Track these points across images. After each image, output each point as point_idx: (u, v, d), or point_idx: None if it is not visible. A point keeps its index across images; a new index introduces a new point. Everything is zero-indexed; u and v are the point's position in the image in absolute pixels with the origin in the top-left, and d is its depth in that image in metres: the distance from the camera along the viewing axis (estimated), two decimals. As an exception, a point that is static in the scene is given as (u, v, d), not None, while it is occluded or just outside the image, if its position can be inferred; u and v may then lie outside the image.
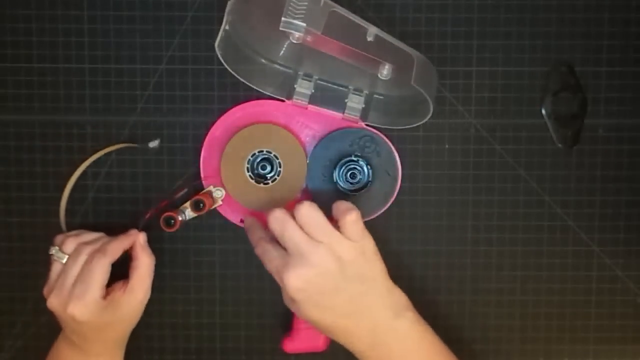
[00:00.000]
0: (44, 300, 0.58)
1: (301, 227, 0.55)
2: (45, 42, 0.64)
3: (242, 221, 0.64)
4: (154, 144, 0.63)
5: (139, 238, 0.61)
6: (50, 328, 0.62)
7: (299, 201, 0.55)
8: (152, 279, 0.60)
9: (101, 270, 0.57)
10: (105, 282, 0.58)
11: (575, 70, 0.64)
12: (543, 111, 0.64)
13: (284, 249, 0.55)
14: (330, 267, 0.54)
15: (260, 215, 0.61)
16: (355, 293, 0.55)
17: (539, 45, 0.64)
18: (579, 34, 0.64)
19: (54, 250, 0.60)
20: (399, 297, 0.58)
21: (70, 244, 0.59)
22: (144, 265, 0.60)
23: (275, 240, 0.56)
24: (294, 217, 0.55)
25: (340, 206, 0.56)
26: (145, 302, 0.60)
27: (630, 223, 0.65)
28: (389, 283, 0.58)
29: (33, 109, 0.65)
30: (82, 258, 0.58)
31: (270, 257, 0.56)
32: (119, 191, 0.65)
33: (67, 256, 0.59)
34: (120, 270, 0.60)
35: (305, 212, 0.55)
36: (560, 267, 0.65)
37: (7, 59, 0.64)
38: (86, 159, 0.64)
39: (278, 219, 0.55)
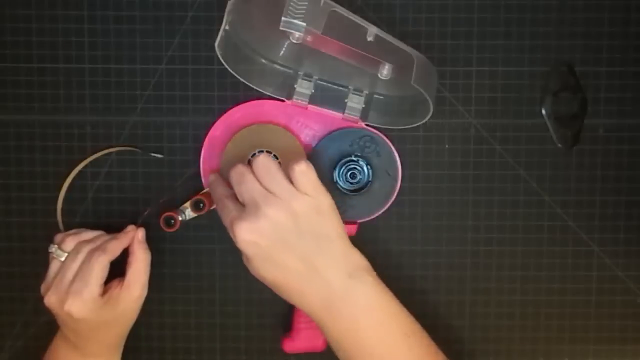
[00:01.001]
0: (43, 300, 0.58)
1: (259, 180, 0.54)
2: (45, 42, 0.64)
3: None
4: (157, 155, 0.63)
5: (138, 233, 0.61)
6: (50, 328, 0.62)
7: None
8: (148, 275, 0.60)
9: (100, 268, 0.57)
10: (104, 279, 0.58)
11: (575, 70, 0.64)
12: (543, 111, 0.64)
13: (230, 195, 0.55)
14: (282, 221, 0.53)
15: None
16: (308, 251, 0.54)
17: (539, 45, 0.64)
18: (579, 34, 0.64)
19: (53, 248, 0.60)
20: (357, 259, 0.56)
21: (70, 242, 0.59)
22: (140, 261, 0.60)
23: (225, 189, 0.56)
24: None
25: (292, 161, 0.55)
26: (142, 299, 0.60)
27: (630, 223, 0.65)
28: (346, 242, 0.56)
29: (33, 109, 0.65)
30: (81, 256, 0.58)
31: (227, 211, 0.55)
32: (119, 191, 0.65)
33: (66, 254, 0.59)
34: (120, 269, 0.60)
35: (260, 162, 0.54)
36: (560, 267, 0.66)
37: (7, 59, 0.64)
38: (86, 159, 0.64)
39: (237, 172, 0.55)
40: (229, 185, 0.57)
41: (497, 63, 0.64)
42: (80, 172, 0.65)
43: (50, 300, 0.58)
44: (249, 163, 0.56)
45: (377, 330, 0.55)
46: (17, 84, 0.64)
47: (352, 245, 0.56)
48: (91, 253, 0.58)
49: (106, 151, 0.64)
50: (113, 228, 0.62)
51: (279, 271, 0.54)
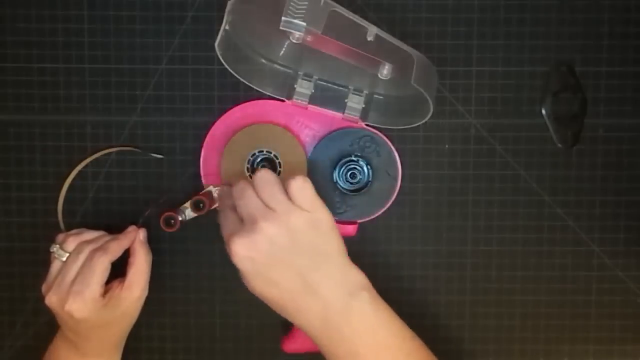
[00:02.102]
0: (44, 299, 0.58)
1: (258, 195, 0.53)
2: (45, 42, 0.64)
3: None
4: (157, 155, 0.63)
5: (139, 234, 0.61)
6: (50, 328, 0.62)
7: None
8: (149, 276, 0.60)
9: (101, 268, 0.57)
10: (105, 279, 0.58)
11: (575, 70, 0.64)
12: (543, 111, 0.64)
13: (230, 209, 0.55)
14: (278, 236, 0.52)
15: None
16: (304, 267, 0.53)
17: (539, 45, 0.64)
18: (579, 34, 0.64)
19: (54, 248, 0.60)
20: (355, 276, 0.54)
21: (71, 242, 0.59)
22: (141, 261, 0.60)
23: (228, 203, 0.56)
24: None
25: (289, 177, 0.54)
26: (143, 299, 0.60)
27: (630, 223, 0.65)
28: (344, 260, 0.54)
29: (33, 109, 0.65)
30: (83, 256, 0.58)
31: (225, 223, 0.55)
32: (119, 191, 0.65)
33: (67, 254, 0.59)
34: (121, 270, 0.60)
35: (260, 176, 0.54)
36: (560, 267, 0.65)
37: (7, 59, 0.64)
38: (86, 159, 0.64)
39: (238, 187, 0.55)
40: None
41: (497, 63, 0.64)
42: (80, 172, 0.65)
43: (51, 300, 0.57)
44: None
45: (378, 351, 0.54)
46: (17, 84, 0.64)
47: (351, 262, 0.55)
48: (92, 253, 0.58)
49: (106, 151, 0.64)
50: (113, 228, 0.62)
51: (275, 288, 0.54)
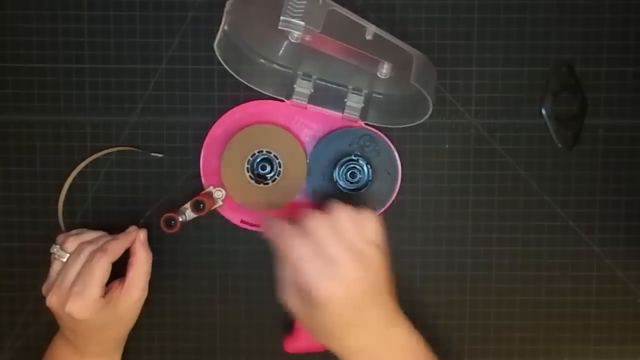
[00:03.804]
0: (44, 300, 0.58)
1: (334, 232, 0.52)
2: (45, 42, 0.64)
3: (243, 222, 0.64)
4: (157, 155, 0.63)
5: (140, 234, 0.61)
6: (50, 328, 0.62)
7: (328, 202, 0.53)
8: (148, 277, 0.60)
9: (101, 269, 0.57)
10: (105, 280, 0.58)
11: (575, 70, 0.64)
12: (543, 111, 0.64)
13: (314, 252, 0.51)
14: (358, 275, 0.51)
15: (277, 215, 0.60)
16: (363, 303, 0.52)
17: (539, 45, 0.64)
18: (579, 34, 0.64)
19: (55, 249, 0.60)
20: (394, 306, 0.55)
21: (72, 242, 0.59)
22: (141, 262, 0.60)
23: (306, 244, 0.52)
24: (326, 218, 0.52)
25: (360, 211, 0.53)
26: (142, 300, 0.60)
27: (630, 223, 0.65)
28: (390, 291, 0.55)
29: (33, 109, 0.65)
30: (83, 257, 0.58)
31: (302, 256, 0.51)
32: (119, 191, 0.65)
33: (68, 255, 0.59)
34: (122, 270, 0.60)
35: (341, 215, 0.52)
36: (560, 267, 0.65)
37: (7, 59, 0.64)
38: (86, 159, 0.64)
39: (318, 224, 0.52)
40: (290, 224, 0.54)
41: (497, 63, 0.64)
42: (80, 172, 0.65)
43: (52, 301, 0.57)
44: (321, 209, 0.53)
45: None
46: (17, 84, 0.64)
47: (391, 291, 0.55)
48: (92, 254, 0.58)
49: (106, 151, 0.64)
50: (113, 228, 0.62)
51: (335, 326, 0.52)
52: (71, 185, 0.65)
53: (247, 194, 0.63)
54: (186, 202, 0.62)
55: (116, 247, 0.59)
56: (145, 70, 0.64)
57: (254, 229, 0.64)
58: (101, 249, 0.58)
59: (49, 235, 0.62)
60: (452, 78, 0.64)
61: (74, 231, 0.61)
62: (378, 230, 0.54)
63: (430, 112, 0.58)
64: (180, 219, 0.61)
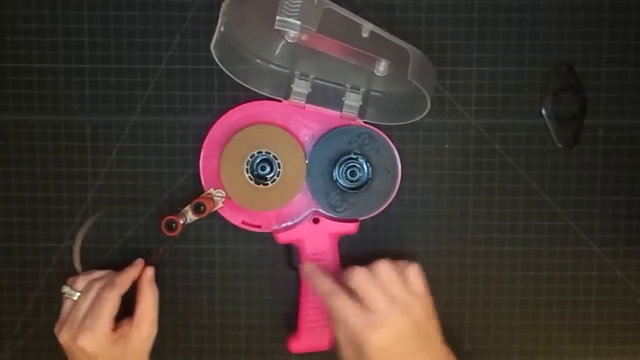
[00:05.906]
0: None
1: (379, 286, 0.55)
2: (45, 42, 0.64)
3: (244, 223, 0.64)
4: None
5: (147, 272, 0.62)
6: (50, 328, 0.62)
7: (375, 259, 0.56)
8: (156, 313, 0.61)
9: (111, 302, 0.58)
10: (115, 313, 0.59)
11: (575, 70, 0.64)
12: (543, 111, 0.64)
13: (360, 308, 0.54)
14: (407, 326, 0.54)
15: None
16: (417, 351, 0.55)
17: (539, 45, 0.64)
18: (579, 34, 0.64)
19: (66, 289, 0.61)
20: (446, 352, 0.57)
21: (81, 281, 0.61)
22: (148, 299, 0.61)
23: (346, 292, 0.55)
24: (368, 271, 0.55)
25: (400, 262, 0.57)
26: (153, 337, 0.61)
27: (630, 223, 0.65)
28: (440, 338, 0.57)
29: (33, 109, 0.65)
30: (92, 293, 0.59)
31: (348, 313, 0.54)
32: (119, 191, 0.65)
33: (78, 293, 0.60)
34: (131, 307, 0.60)
35: (383, 270, 0.55)
36: (560, 267, 0.65)
37: (7, 59, 0.64)
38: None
39: (361, 278, 0.55)
40: (324, 270, 0.59)
41: (497, 63, 0.64)
42: (80, 172, 0.65)
43: (64, 337, 0.58)
44: (368, 268, 0.56)
45: None
46: (17, 84, 0.64)
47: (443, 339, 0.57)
48: (102, 290, 0.59)
49: (103, 212, 0.64)
50: (113, 228, 0.62)
51: None
52: (71, 185, 0.65)
53: (246, 195, 0.63)
54: (187, 205, 0.62)
55: (124, 280, 0.60)
56: (145, 70, 0.64)
57: (254, 230, 0.63)
58: (109, 284, 0.59)
59: (49, 235, 0.62)
60: (452, 78, 0.64)
61: (84, 272, 0.62)
62: (421, 280, 0.57)
63: (428, 108, 0.58)
64: (181, 222, 0.61)
